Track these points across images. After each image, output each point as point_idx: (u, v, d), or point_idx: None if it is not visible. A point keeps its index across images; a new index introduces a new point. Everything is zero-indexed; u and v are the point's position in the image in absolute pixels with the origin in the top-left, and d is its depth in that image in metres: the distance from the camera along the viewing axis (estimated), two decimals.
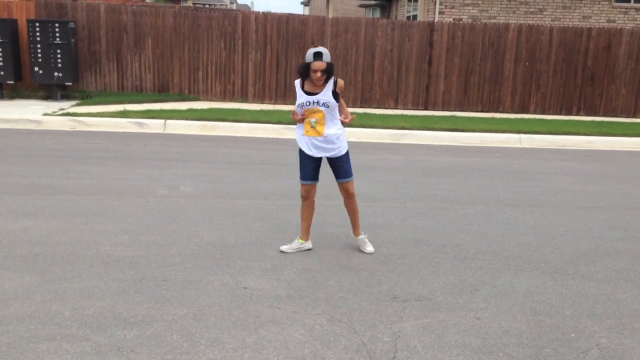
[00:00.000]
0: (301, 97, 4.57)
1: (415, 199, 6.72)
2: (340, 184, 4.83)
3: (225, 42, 13.56)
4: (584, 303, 4.17)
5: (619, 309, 4.10)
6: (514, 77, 14.11)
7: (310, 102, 4.53)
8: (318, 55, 4.38)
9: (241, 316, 3.73)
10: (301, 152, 4.75)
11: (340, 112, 4.71)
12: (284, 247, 4.89)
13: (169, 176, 7.19)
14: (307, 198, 4.82)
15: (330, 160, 4.75)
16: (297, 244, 4.92)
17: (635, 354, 3.50)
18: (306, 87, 4.58)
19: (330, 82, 4.55)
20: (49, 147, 8.60)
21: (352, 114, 4.70)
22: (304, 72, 4.50)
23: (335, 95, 4.56)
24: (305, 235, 4.94)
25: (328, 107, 4.54)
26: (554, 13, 17.04)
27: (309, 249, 4.94)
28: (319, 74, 4.41)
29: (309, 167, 4.73)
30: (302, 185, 4.79)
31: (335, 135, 4.64)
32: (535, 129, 11.42)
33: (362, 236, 5.01)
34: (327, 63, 4.41)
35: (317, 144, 4.65)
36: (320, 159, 4.76)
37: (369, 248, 4.97)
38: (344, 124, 4.66)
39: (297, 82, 4.63)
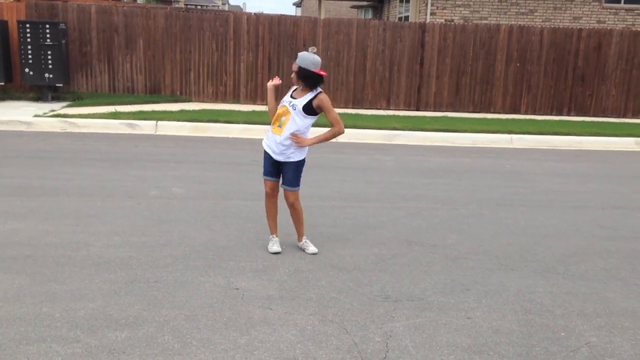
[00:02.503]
0: (286, 96, 4.75)
1: (407, 199, 6.74)
2: (283, 190, 4.83)
3: (217, 44, 13.55)
4: (574, 302, 4.20)
5: (608, 307, 4.13)
6: (505, 78, 14.17)
7: (284, 101, 4.70)
8: (296, 57, 4.60)
9: (233, 317, 3.73)
10: (264, 150, 4.83)
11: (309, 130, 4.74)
12: (275, 248, 4.89)
13: (160, 177, 7.18)
14: (271, 196, 4.87)
15: (280, 164, 4.76)
16: (277, 240, 4.95)
17: (625, 352, 3.52)
18: (294, 93, 4.70)
19: (310, 94, 4.60)
20: (39, 149, 8.56)
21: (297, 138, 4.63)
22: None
23: (309, 106, 4.58)
24: (276, 231, 4.99)
25: (294, 109, 4.59)
26: (545, 14, 17.12)
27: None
28: (292, 75, 4.63)
29: (268, 162, 4.80)
30: (264, 180, 4.86)
31: (286, 144, 4.64)
32: (527, 130, 11.48)
33: (304, 241, 4.99)
34: (299, 66, 4.52)
35: (272, 141, 4.70)
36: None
37: (312, 248, 4.93)
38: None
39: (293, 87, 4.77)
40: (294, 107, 4.60)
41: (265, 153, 4.80)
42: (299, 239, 5.01)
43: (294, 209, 4.87)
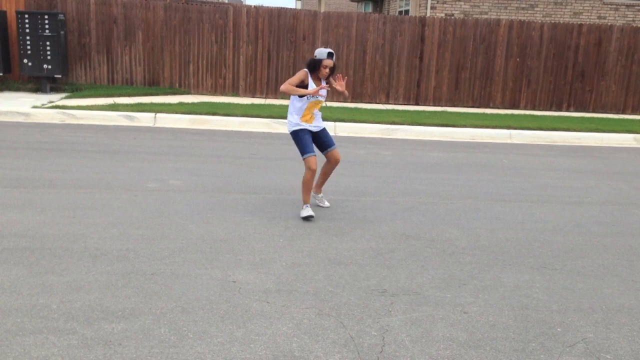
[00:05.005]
0: (312, 89, 5.43)
1: (405, 193, 6.73)
2: (331, 152, 5.66)
3: (217, 36, 13.51)
4: (571, 298, 4.20)
5: (605, 303, 4.14)
6: (505, 73, 14.15)
7: (322, 95, 5.42)
8: (331, 55, 5.35)
9: (229, 310, 3.73)
10: (299, 131, 5.51)
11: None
12: (309, 211, 5.57)
13: (158, 170, 7.17)
14: (316, 169, 5.51)
15: (318, 135, 5.64)
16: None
17: (621, 348, 3.53)
18: (314, 82, 5.46)
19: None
20: (37, 140, 8.54)
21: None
22: (314, 66, 5.36)
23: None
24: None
25: (324, 98, 5.54)
26: (545, 9, 17.09)
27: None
28: (327, 70, 5.37)
29: (309, 140, 5.51)
30: (310, 157, 5.46)
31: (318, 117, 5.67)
32: (526, 125, 11.47)
33: (322, 195, 6.01)
34: (334, 63, 5.41)
35: (311, 125, 5.60)
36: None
37: (327, 203, 5.99)
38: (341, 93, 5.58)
39: (309, 74, 5.44)
40: (324, 97, 5.48)
41: (307, 133, 5.51)
42: (319, 192, 5.99)
43: (338, 163, 5.73)
